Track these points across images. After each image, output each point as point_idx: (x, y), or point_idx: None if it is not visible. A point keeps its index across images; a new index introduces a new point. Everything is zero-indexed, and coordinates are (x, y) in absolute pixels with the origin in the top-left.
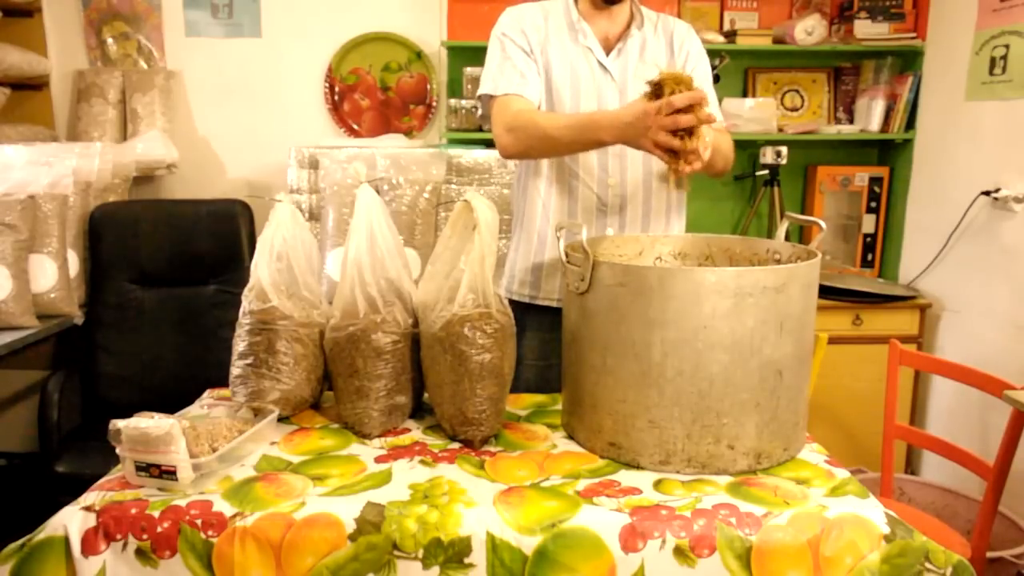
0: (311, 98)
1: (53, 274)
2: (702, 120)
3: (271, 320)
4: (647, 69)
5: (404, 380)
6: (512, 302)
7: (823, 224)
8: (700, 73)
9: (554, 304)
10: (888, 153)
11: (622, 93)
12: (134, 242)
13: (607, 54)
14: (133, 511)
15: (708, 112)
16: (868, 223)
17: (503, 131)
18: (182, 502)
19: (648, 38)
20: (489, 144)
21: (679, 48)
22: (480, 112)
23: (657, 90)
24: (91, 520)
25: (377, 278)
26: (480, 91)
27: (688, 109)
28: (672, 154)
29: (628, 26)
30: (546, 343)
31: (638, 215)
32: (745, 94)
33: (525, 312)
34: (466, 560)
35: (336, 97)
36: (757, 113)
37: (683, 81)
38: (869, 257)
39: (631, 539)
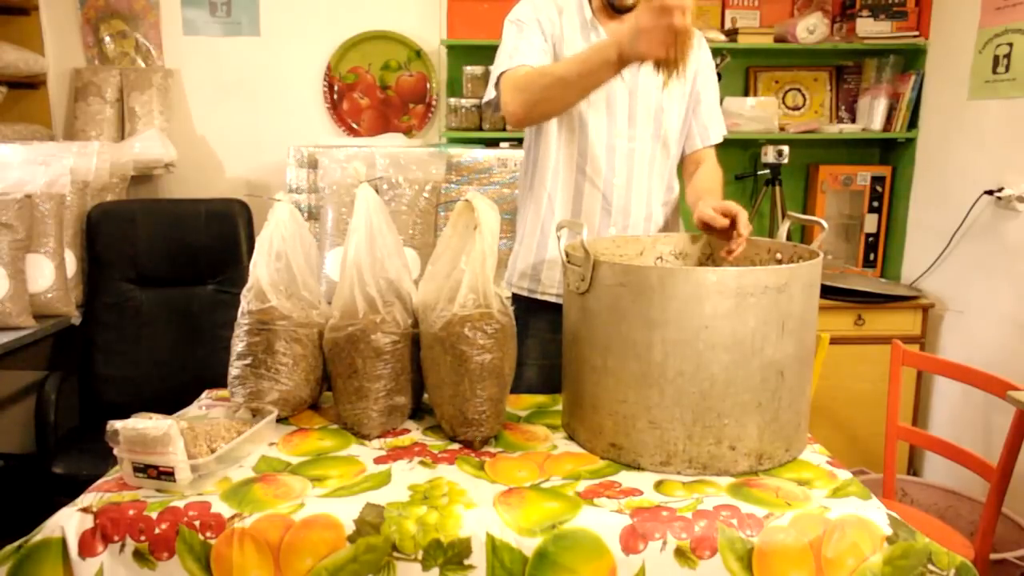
0: (310, 97)
1: (50, 274)
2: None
3: (270, 320)
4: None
5: (404, 380)
6: (514, 298)
7: (825, 224)
8: (709, 88)
9: (552, 299)
10: (890, 152)
11: (632, 94)
12: (132, 242)
13: None
14: (131, 512)
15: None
16: (870, 223)
17: (512, 95)
18: (180, 503)
19: None
20: (489, 143)
21: (691, 58)
22: (489, 97)
23: None
24: (88, 521)
25: (376, 278)
26: (495, 71)
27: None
28: (662, 63)
29: None
30: (548, 343)
31: (641, 217)
32: (746, 93)
33: (527, 311)
34: (466, 562)
35: (335, 96)
36: (758, 112)
37: None
38: (871, 257)
39: (632, 540)
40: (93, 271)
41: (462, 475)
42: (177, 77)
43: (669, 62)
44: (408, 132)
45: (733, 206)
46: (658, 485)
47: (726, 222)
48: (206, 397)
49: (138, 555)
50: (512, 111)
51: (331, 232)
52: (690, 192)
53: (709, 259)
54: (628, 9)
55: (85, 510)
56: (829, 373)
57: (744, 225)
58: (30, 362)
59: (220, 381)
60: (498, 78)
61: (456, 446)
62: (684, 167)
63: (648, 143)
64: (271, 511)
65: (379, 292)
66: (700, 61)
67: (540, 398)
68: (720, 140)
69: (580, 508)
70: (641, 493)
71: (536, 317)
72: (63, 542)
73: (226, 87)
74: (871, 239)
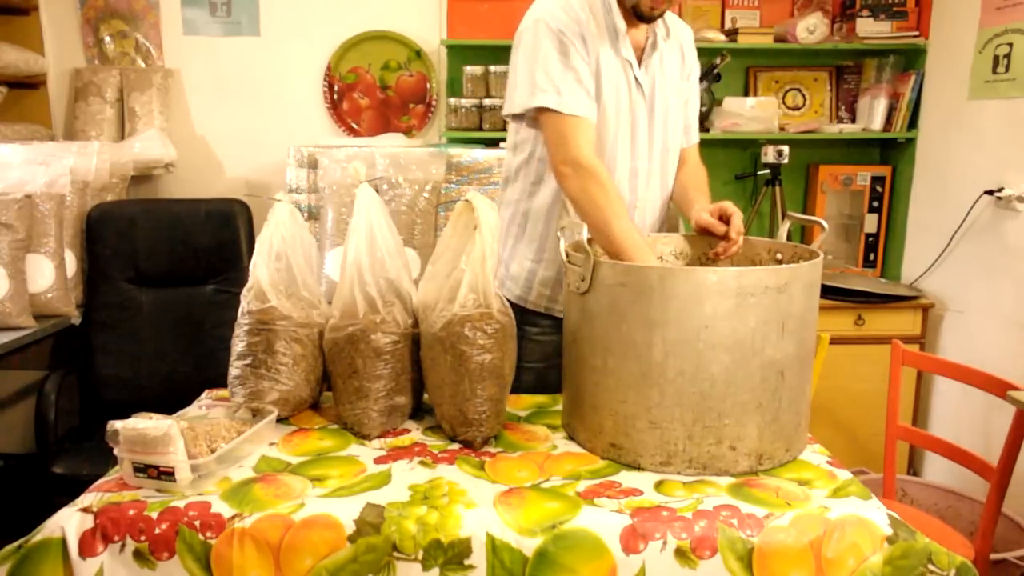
0: (310, 97)
1: (50, 274)
2: None
3: (270, 320)
4: (668, 83)
5: (404, 380)
6: (519, 307)
7: (825, 224)
8: (696, 90)
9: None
10: (890, 152)
11: (651, 110)
12: (132, 242)
13: (638, 66)
14: (131, 512)
15: None
16: (870, 223)
17: (569, 167)
18: (180, 503)
19: (664, 50)
20: (489, 143)
21: (689, 60)
22: (512, 111)
23: None
24: (88, 521)
25: (377, 278)
26: (538, 101)
27: None
28: None
29: (653, 34)
30: (546, 345)
31: (650, 227)
32: (746, 93)
33: (523, 314)
34: (466, 561)
35: (335, 96)
36: (758, 112)
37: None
38: (871, 257)
39: (632, 540)
40: (93, 271)
41: (462, 475)
42: (177, 77)
43: None
44: (408, 132)
45: (729, 207)
46: (658, 485)
47: (725, 227)
48: (206, 397)
49: (138, 555)
50: (563, 186)
51: (331, 232)
52: (677, 188)
53: (709, 259)
54: (654, 19)
55: (85, 510)
56: (829, 373)
57: (736, 229)
58: (30, 362)
59: (220, 381)
60: (540, 110)
61: (456, 446)
62: None
63: (658, 157)
64: (271, 511)
65: (379, 292)
66: (694, 61)
67: (540, 398)
68: (695, 141)
69: (580, 508)
70: (641, 493)
71: (535, 324)
72: (63, 542)
73: (226, 87)
74: (871, 239)
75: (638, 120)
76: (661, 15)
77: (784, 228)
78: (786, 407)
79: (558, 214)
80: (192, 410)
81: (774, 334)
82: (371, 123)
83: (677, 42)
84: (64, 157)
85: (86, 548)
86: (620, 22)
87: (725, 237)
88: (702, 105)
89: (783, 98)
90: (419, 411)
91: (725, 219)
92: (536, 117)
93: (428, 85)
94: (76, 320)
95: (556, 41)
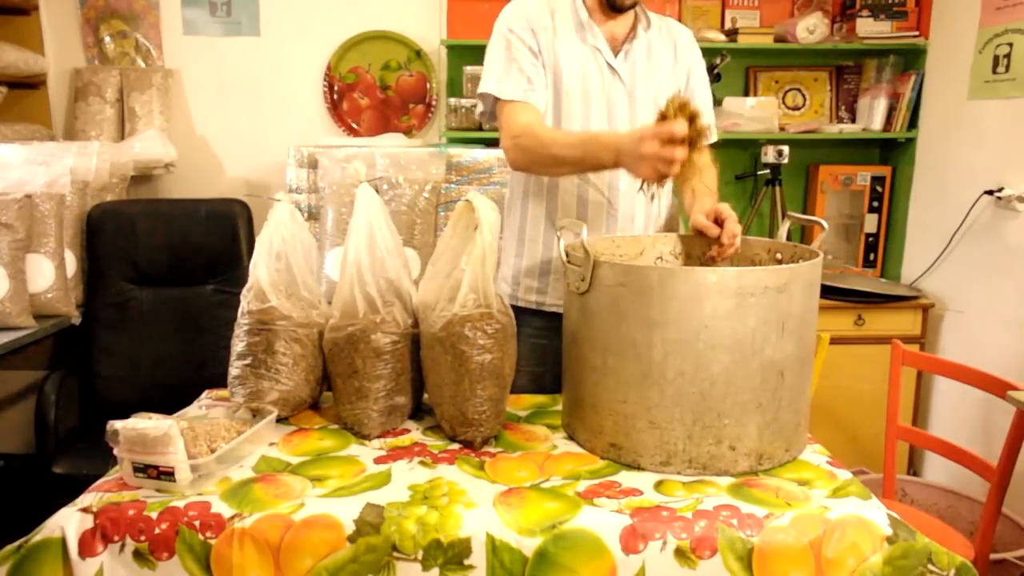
0: (310, 97)
1: (50, 274)
2: (696, 142)
3: (270, 320)
4: (655, 74)
5: (403, 380)
6: (514, 307)
7: (825, 224)
8: (701, 86)
9: (559, 309)
10: (890, 152)
11: (631, 96)
12: (132, 242)
13: (615, 55)
14: (131, 512)
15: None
16: (870, 223)
17: (510, 144)
18: (180, 503)
19: (654, 41)
20: (489, 143)
21: (683, 57)
22: (480, 109)
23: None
24: (88, 521)
25: (376, 278)
26: (482, 88)
27: (682, 141)
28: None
29: (634, 27)
30: (542, 349)
31: (644, 221)
32: (746, 93)
33: (519, 316)
34: (466, 562)
35: (335, 96)
36: (758, 112)
37: (687, 109)
38: (871, 257)
39: (632, 540)
40: (93, 271)
41: (462, 475)
42: (177, 77)
43: (658, 183)
44: (408, 132)
45: (724, 211)
46: (658, 485)
47: (718, 230)
48: (206, 397)
49: (138, 555)
50: (512, 158)
51: (331, 232)
52: (685, 189)
53: (710, 259)
54: (627, 8)
55: (85, 510)
56: (829, 373)
57: (728, 234)
58: (30, 362)
59: (220, 381)
60: (489, 97)
61: (456, 446)
62: None
63: None
64: (271, 511)
65: (379, 292)
66: (692, 58)
67: (540, 398)
68: (713, 140)
69: (580, 508)
70: (641, 493)
71: (529, 324)
72: (63, 542)
73: (226, 87)
74: (871, 239)
75: (615, 105)
76: (634, 4)
77: (784, 228)
78: (786, 407)
79: (529, 203)
80: (192, 410)
81: (774, 334)
82: (371, 123)
83: (670, 39)
84: (64, 157)
85: (86, 548)
86: (583, 12)
87: (718, 240)
88: None
89: (783, 98)
90: (419, 411)
91: (720, 222)
92: (494, 112)
93: (428, 85)
94: (76, 320)
95: (504, 39)
